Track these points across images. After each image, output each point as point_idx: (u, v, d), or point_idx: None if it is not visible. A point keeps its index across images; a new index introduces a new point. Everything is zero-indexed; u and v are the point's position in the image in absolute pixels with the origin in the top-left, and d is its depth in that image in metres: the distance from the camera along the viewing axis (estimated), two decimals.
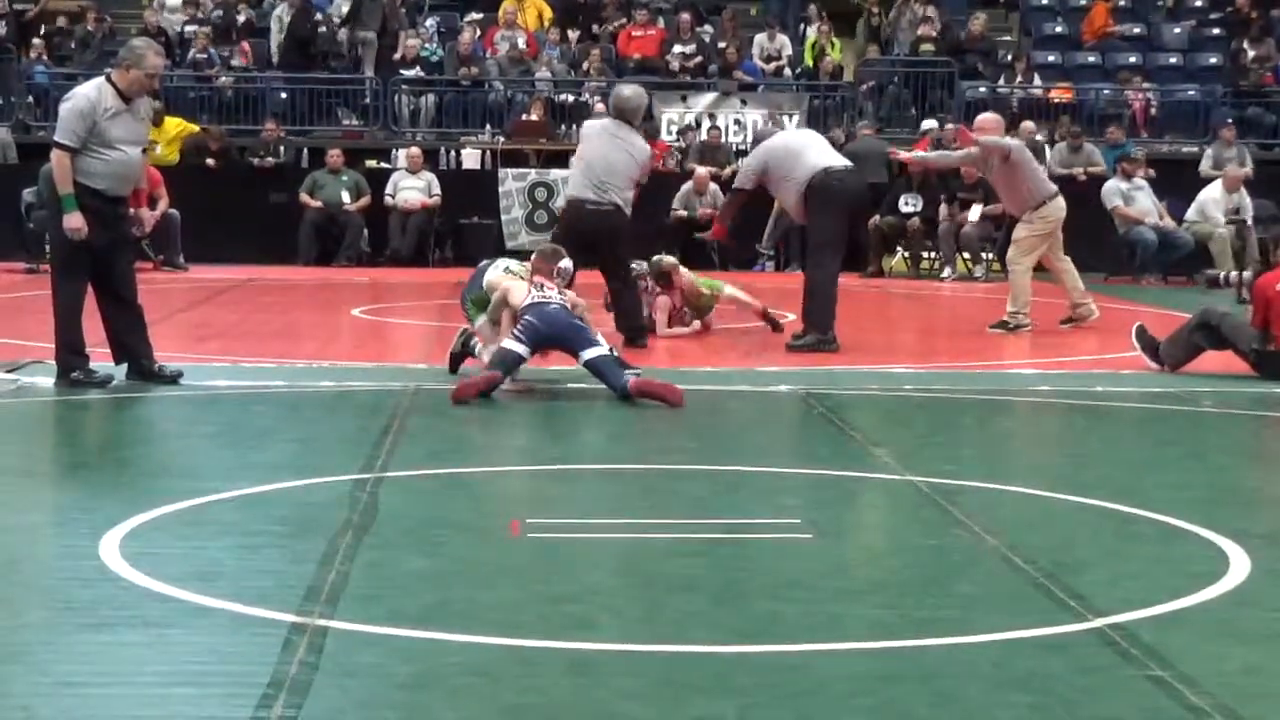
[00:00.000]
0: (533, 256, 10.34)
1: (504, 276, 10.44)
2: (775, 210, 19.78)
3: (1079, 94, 23.41)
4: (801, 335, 12.18)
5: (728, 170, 20.56)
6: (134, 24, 24.54)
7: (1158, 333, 11.44)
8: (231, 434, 8.75)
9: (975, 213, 19.11)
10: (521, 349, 9.65)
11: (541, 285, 9.95)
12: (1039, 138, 20.60)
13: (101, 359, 10.05)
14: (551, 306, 9.78)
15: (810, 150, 12.23)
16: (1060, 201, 13.69)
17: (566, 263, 10.19)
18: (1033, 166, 13.65)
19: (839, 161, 12.31)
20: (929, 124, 20.46)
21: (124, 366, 10.03)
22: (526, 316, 9.74)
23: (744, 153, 21.76)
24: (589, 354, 9.68)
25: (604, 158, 12.34)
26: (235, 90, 23.12)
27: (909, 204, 19.93)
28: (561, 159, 21.89)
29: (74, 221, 9.62)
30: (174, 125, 21.57)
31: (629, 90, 13.13)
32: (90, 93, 9.82)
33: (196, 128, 21.69)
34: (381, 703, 4.33)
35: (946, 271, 19.88)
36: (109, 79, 9.90)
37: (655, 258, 13.26)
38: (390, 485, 7.12)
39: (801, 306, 12.30)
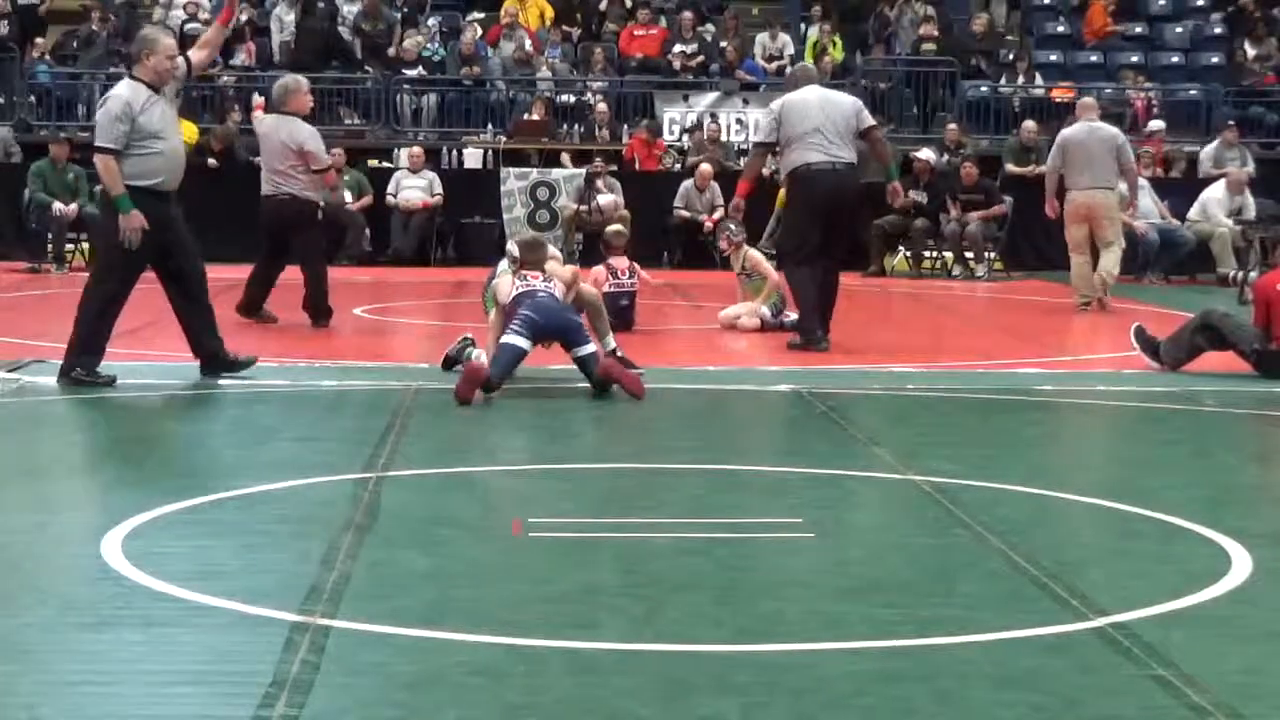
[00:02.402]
0: (518, 249, 10.25)
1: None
2: (776, 210, 19.80)
3: (1080, 93, 23.40)
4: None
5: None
6: (138, 23, 24.54)
7: (1159, 332, 11.44)
8: (234, 433, 8.75)
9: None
10: (523, 343, 9.65)
11: (525, 276, 9.96)
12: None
13: (112, 360, 10.05)
14: (540, 295, 9.79)
15: (808, 136, 11.95)
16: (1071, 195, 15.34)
17: (552, 250, 10.31)
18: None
19: (822, 157, 11.92)
20: (926, 154, 20.41)
21: (113, 367, 10.03)
22: (521, 310, 9.72)
23: (740, 151, 21.90)
24: (582, 351, 9.71)
25: (269, 150, 13.61)
26: (237, 89, 23.12)
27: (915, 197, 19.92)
28: (561, 159, 21.92)
29: (135, 221, 9.62)
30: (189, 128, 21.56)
31: (282, 80, 14.12)
32: (122, 92, 9.85)
33: (195, 133, 21.64)
34: (383, 702, 4.33)
35: (957, 270, 19.85)
36: (133, 76, 9.94)
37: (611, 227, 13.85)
38: (392, 484, 7.12)
39: None
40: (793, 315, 12.77)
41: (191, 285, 10.12)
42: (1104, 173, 15.50)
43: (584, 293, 10.45)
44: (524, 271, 10.02)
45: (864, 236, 17.83)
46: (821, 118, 11.99)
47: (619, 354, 10.34)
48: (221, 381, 10.08)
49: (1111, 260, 15.62)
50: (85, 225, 18.64)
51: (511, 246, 10.39)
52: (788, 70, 15.30)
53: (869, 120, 12.28)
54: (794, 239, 12.29)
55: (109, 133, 9.75)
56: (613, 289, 12.93)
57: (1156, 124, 22.13)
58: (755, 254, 13.87)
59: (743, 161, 21.80)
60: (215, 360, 10.16)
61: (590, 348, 9.80)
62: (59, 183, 18.68)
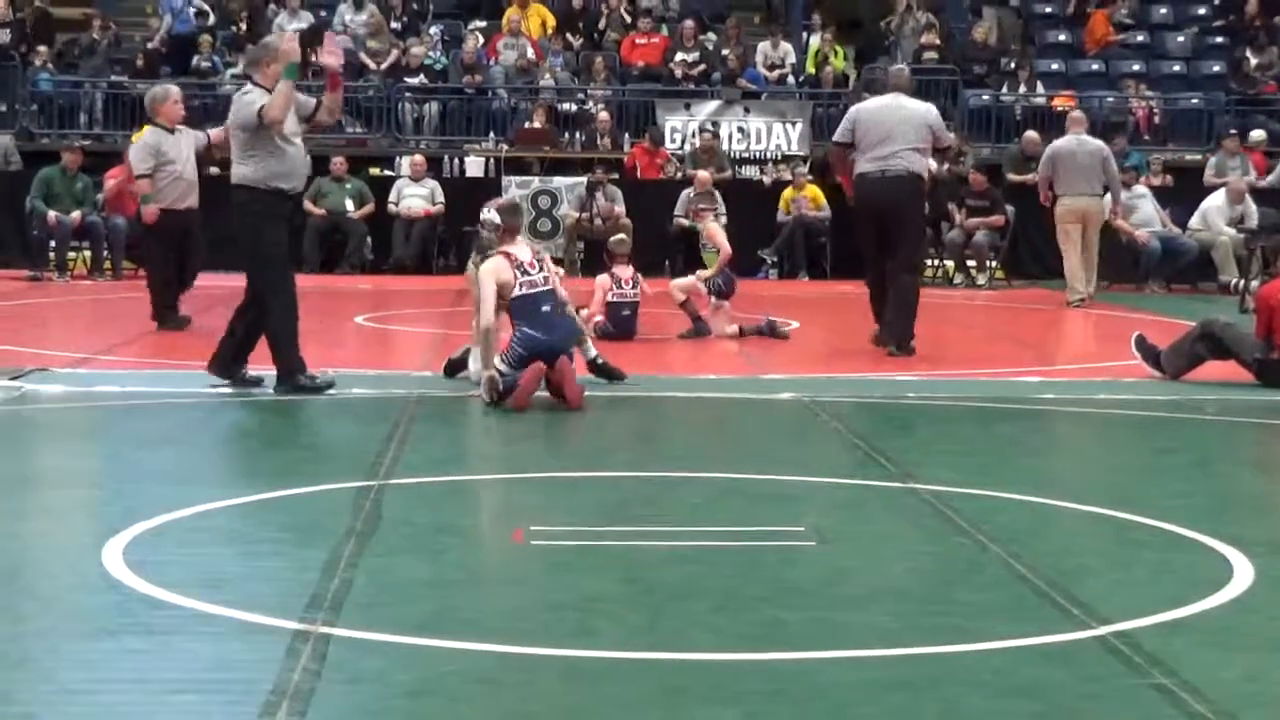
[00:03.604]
0: (499, 216, 10.04)
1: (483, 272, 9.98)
2: (780, 218, 19.87)
3: (1082, 102, 23.40)
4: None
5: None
6: (139, 30, 24.57)
7: (1160, 341, 11.44)
8: (235, 441, 8.75)
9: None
10: (510, 373, 9.47)
11: (521, 265, 9.70)
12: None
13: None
14: (544, 308, 9.60)
15: (867, 147, 12.32)
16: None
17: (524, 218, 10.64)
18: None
19: (874, 166, 12.26)
20: (929, 163, 20.47)
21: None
22: (524, 328, 9.52)
23: (741, 160, 21.94)
24: (588, 355, 10.03)
25: None
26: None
27: None
28: (564, 167, 21.93)
29: (285, 84, 9.74)
30: None
31: (150, 90, 14.60)
32: (254, 96, 9.96)
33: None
34: (384, 710, 4.34)
35: (958, 278, 19.87)
36: (254, 82, 10.10)
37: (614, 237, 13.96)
38: (393, 492, 7.12)
39: None
40: (770, 319, 13.06)
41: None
42: (1092, 182, 17.01)
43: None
44: (518, 259, 9.72)
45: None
46: (890, 126, 12.30)
47: (600, 361, 10.30)
48: (224, 389, 10.08)
49: (1090, 262, 17.18)
50: (88, 233, 18.67)
51: (491, 214, 10.17)
52: (789, 79, 15.28)
53: (946, 139, 12.73)
54: (861, 246, 12.89)
55: (245, 112, 9.95)
56: (615, 299, 13.00)
57: (1258, 134, 22.20)
58: (713, 225, 14.21)
59: (744, 170, 21.90)
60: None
61: (592, 353, 10.07)
62: (67, 190, 18.67)
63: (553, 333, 9.58)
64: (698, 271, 14.00)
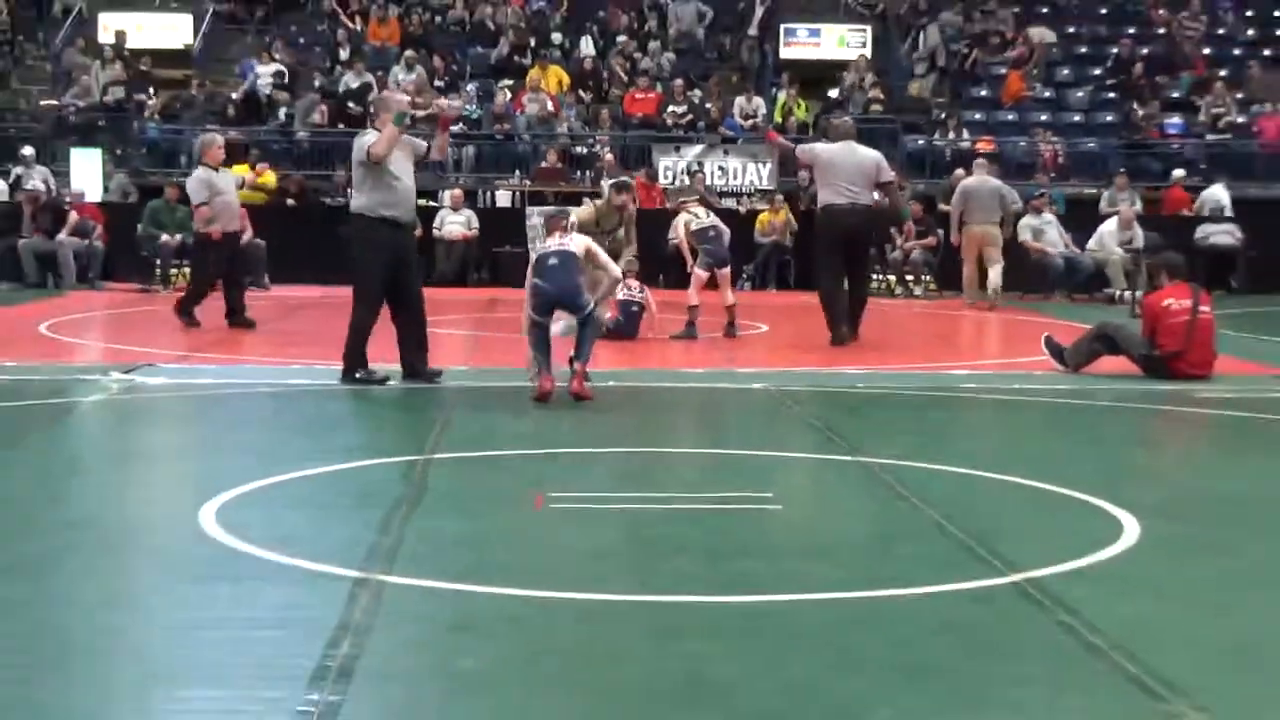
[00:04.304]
0: (542, 219, 10.34)
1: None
2: (758, 236, 19.84)
3: (1000, 145, 23.38)
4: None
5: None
6: (228, 89, 24.52)
7: (1063, 341, 11.42)
8: (308, 423, 8.74)
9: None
10: (542, 320, 9.40)
11: (550, 242, 9.60)
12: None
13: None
14: (551, 262, 9.37)
15: (834, 183, 12.71)
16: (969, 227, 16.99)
17: (572, 218, 10.69)
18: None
19: (843, 199, 12.68)
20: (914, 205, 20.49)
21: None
22: (534, 279, 9.40)
23: (722, 193, 21.90)
24: (578, 318, 9.41)
25: None
26: (311, 143, 23.10)
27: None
28: (576, 199, 21.88)
29: (391, 128, 9.65)
30: (242, 170, 21.56)
31: (200, 137, 14.80)
32: (367, 138, 9.93)
33: (274, 179, 21.60)
34: (429, 644, 4.33)
35: (898, 290, 19.86)
36: (375, 127, 10.04)
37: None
38: (437, 465, 7.11)
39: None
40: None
41: (412, 304, 10.01)
42: (991, 212, 17.61)
43: (602, 269, 10.06)
44: (550, 241, 9.63)
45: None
46: (851, 168, 12.81)
47: (595, 317, 9.92)
48: (300, 381, 10.06)
49: (996, 274, 17.44)
50: (187, 252, 18.67)
51: (538, 219, 10.24)
52: (829, 120, 15.12)
53: (888, 176, 12.91)
54: (823, 261, 12.99)
55: (359, 149, 9.89)
56: (625, 298, 13.11)
57: (1179, 172, 22.19)
58: (680, 217, 14.22)
59: (723, 200, 21.86)
60: (414, 372, 9.98)
61: (588, 308, 9.39)
62: (170, 218, 18.69)
63: (555, 284, 9.31)
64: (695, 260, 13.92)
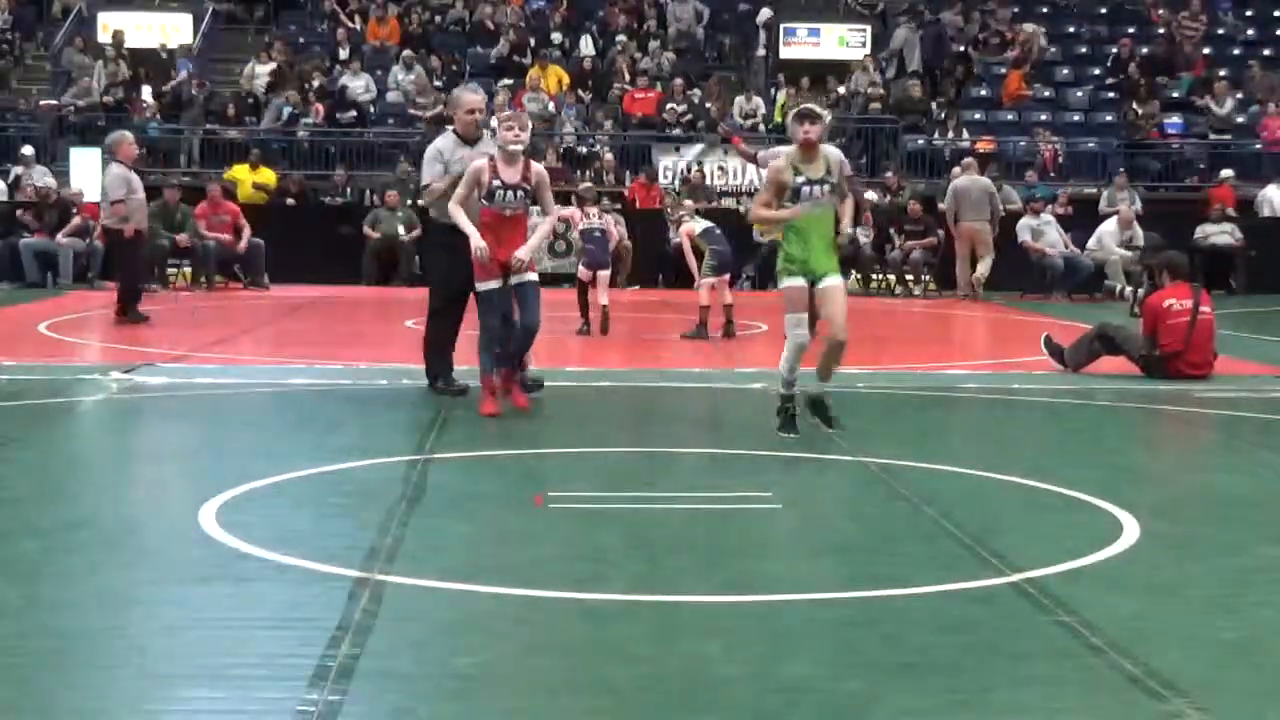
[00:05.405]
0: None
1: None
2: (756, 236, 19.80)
3: (999, 145, 23.39)
4: None
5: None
6: (229, 88, 24.52)
7: (1063, 341, 11.42)
8: (307, 423, 8.74)
9: (986, 265, 18.97)
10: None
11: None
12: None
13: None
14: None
15: None
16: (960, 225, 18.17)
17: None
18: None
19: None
20: (871, 195, 20.39)
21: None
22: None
23: (722, 193, 21.90)
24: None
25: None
26: (311, 143, 23.09)
27: (862, 235, 19.90)
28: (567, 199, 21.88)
29: (478, 239, 8.67)
30: (241, 171, 21.58)
31: (112, 134, 14.72)
32: (439, 142, 9.48)
33: (274, 179, 21.59)
34: (429, 642, 4.33)
35: (898, 290, 19.86)
36: (454, 131, 9.48)
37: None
38: (437, 465, 7.11)
39: None
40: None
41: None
42: (981, 210, 18.59)
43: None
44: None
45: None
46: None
47: (526, 378, 9.44)
48: (298, 380, 10.06)
49: (984, 266, 18.54)
50: (190, 253, 18.72)
51: (538, 218, 9.64)
52: (760, 127, 15.32)
53: (846, 171, 12.82)
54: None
55: (427, 172, 9.39)
56: (586, 225, 13.65)
57: (1227, 172, 22.17)
58: (687, 225, 14.28)
59: (723, 200, 21.86)
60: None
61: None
62: (169, 219, 18.74)
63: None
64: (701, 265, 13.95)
